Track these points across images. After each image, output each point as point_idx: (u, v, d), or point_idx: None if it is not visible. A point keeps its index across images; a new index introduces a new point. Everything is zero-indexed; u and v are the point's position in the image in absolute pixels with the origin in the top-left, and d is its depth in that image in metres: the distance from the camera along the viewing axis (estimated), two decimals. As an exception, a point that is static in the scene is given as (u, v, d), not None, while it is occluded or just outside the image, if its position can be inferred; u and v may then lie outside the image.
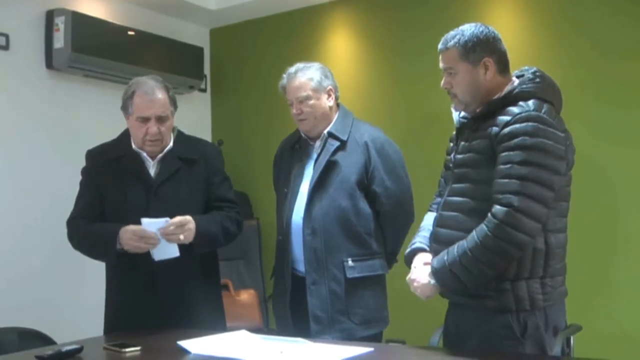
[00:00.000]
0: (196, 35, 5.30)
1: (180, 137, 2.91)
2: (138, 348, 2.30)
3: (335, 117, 3.00)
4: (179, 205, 2.75)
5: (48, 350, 2.24)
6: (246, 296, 4.39)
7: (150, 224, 2.64)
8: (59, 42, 4.18)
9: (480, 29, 2.26)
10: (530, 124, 2.10)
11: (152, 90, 2.75)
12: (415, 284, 2.29)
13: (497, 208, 2.08)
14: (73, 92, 4.40)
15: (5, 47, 4.03)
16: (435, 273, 2.21)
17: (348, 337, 2.77)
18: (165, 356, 2.27)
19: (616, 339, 3.71)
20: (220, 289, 3.06)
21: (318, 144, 2.98)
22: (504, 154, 2.12)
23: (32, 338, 2.81)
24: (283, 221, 2.99)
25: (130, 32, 4.59)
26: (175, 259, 2.68)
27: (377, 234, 2.96)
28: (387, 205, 2.93)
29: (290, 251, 2.95)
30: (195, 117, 5.22)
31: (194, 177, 2.85)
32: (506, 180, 2.09)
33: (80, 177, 2.91)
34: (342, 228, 2.88)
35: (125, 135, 2.89)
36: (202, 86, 5.28)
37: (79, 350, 2.25)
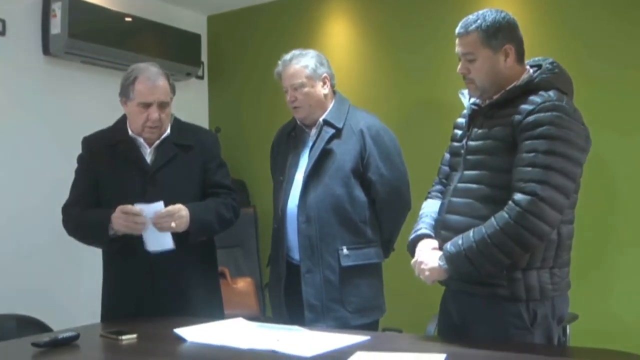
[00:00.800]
0: (193, 21, 5.27)
1: (177, 123, 2.90)
2: (134, 335, 2.30)
3: (332, 104, 2.99)
4: (175, 192, 2.75)
5: (45, 338, 2.24)
6: (243, 284, 4.40)
7: (145, 209, 2.65)
8: (55, 28, 4.16)
9: (502, 15, 2.23)
10: (555, 113, 2.09)
11: (155, 76, 2.76)
12: (423, 266, 2.24)
13: (520, 196, 2.06)
14: (70, 78, 4.39)
15: (2, 33, 4.01)
16: (449, 257, 2.16)
17: (343, 326, 2.77)
18: (161, 344, 2.27)
19: (611, 327, 3.72)
20: (218, 278, 3.07)
21: (314, 131, 2.98)
22: (528, 142, 2.09)
23: (29, 325, 2.80)
24: (279, 209, 2.98)
25: (127, 19, 4.57)
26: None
27: (373, 222, 2.95)
28: (382, 193, 2.93)
29: (285, 239, 2.95)
30: (192, 104, 5.20)
31: (190, 163, 2.84)
32: (530, 169, 2.07)
33: (76, 164, 2.91)
34: (337, 216, 2.88)
35: (122, 122, 2.88)
36: (200, 73, 5.26)
37: (76, 337, 2.25)
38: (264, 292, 4.56)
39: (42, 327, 2.78)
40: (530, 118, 2.10)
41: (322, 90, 2.96)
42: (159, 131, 2.79)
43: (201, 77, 5.35)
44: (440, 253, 2.22)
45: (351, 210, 2.89)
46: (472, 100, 2.35)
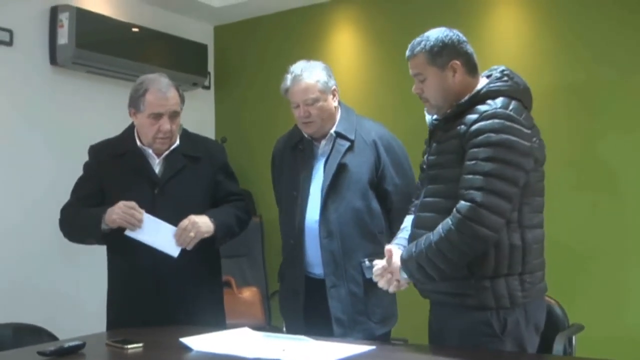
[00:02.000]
0: (200, 32, 5.30)
1: (185, 134, 2.91)
2: (140, 344, 2.30)
3: (339, 115, 2.95)
4: (184, 203, 2.77)
5: (50, 346, 2.24)
6: (248, 293, 4.39)
7: (151, 220, 2.66)
8: (62, 38, 4.18)
9: (445, 33, 2.30)
10: (496, 120, 2.13)
11: (166, 88, 2.77)
12: (389, 275, 2.32)
13: (461, 204, 2.12)
14: (77, 88, 4.41)
15: (9, 43, 4.03)
16: (403, 263, 2.24)
17: (369, 337, 2.76)
18: (167, 353, 2.27)
19: (620, 337, 3.70)
20: (222, 288, 3.06)
21: (324, 143, 2.93)
22: (470, 151, 2.15)
23: (34, 333, 2.80)
24: (294, 225, 2.91)
25: (134, 29, 4.59)
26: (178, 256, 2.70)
27: (387, 232, 2.94)
28: (397, 202, 2.91)
29: (304, 254, 2.89)
30: (198, 114, 5.22)
31: (199, 174, 2.85)
32: (471, 177, 2.12)
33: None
34: (358, 229, 2.86)
35: (129, 132, 2.88)
36: (206, 83, 5.28)
37: (82, 346, 2.25)
38: (269, 302, 4.55)
39: (48, 336, 2.78)
40: (473, 127, 2.16)
41: (333, 102, 2.92)
42: (169, 142, 2.80)
43: (208, 87, 5.37)
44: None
45: (370, 222, 2.89)
46: (435, 116, 2.40)
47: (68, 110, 4.34)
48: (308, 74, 2.86)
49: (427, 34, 2.33)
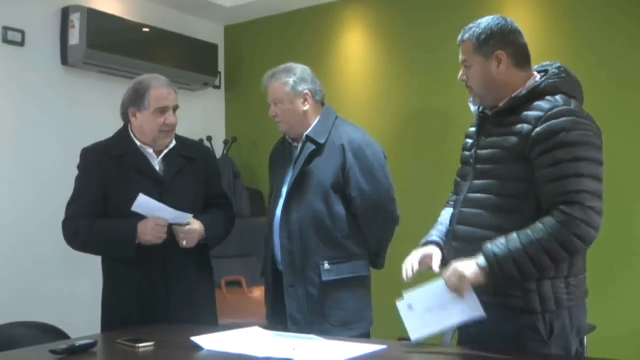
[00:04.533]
0: (211, 32, 5.31)
1: (178, 136, 2.98)
2: (151, 343, 2.30)
3: (317, 119, 3.00)
4: (187, 201, 2.84)
5: (62, 345, 2.25)
6: (259, 293, 4.38)
7: (147, 203, 2.70)
8: (74, 38, 4.20)
9: (497, 22, 2.23)
10: (567, 118, 2.06)
11: (167, 83, 2.89)
12: (461, 269, 2.12)
13: (564, 207, 2.02)
14: (88, 88, 4.42)
15: (21, 44, 4.05)
16: (494, 259, 2.07)
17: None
18: (178, 352, 2.28)
19: (632, 339, 3.69)
20: (214, 288, 3.11)
21: (299, 146, 3.01)
22: (548, 154, 2.06)
23: (46, 332, 2.82)
24: (268, 223, 3.05)
25: (145, 29, 4.61)
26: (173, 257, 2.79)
27: (357, 236, 2.95)
28: (362, 208, 2.93)
29: (273, 252, 2.99)
30: (209, 114, 5.23)
31: (196, 174, 2.94)
32: (564, 181, 2.04)
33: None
34: (318, 232, 2.90)
35: (123, 134, 2.93)
36: (217, 83, 5.29)
37: (93, 345, 2.26)
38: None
39: (60, 335, 2.79)
40: (542, 127, 2.08)
41: (302, 107, 2.97)
42: (172, 136, 2.89)
43: (218, 87, 5.38)
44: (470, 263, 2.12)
45: (331, 226, 2.91)
46: (481, 108, 2.34)
47: (79, 110, 4.35)
48: (278, 76, 3.00)
49: (480, 20, 2.26)
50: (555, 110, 2.08)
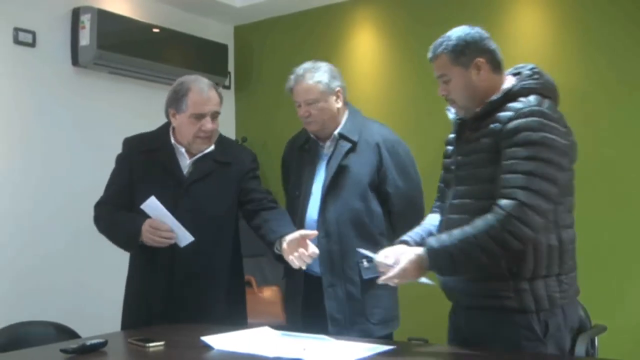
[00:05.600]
0: (220, 32, 5.31)
1: (220, 139, 2.93)
2: (162, 343, 2.31)
3: (345, 117, 2.99)
4: (207, 204, 2.80)
5: (73, 344, 2.26)
6: (269, 293, 4.40)
7: (156, 206, 2.68)
8: (84, 39, 4.22)
9: (466, 31, 2.26)
10: (534, 119, 2.09)
11: (208, 88, 2.80)
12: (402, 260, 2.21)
13: (504, 201, 2.05)
14: (98, 89, 4.44)
15: (32, 44, 4.07)
16: (431, 251, 2.14)
17: (367, 338, 2.75)
18: (188, 351, 2.28)
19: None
20: (244, 289, 3.07)
21: (328, 144, 2.98)
22: (509, 149, 2.10)
23: (57, 331, 2.83)
24: (296, 224, 2.94)
25: (155, 30, 4.62)
26: (198, 251, 2.73)
27: (389, 234, 2.94)
28: (398, 205, 2.94)
29: None
30: (219, 114, 5.24)
31: (226, 179, 2.87)
32: (511, 176, 2.07)
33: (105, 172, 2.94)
34: (356, 230, 2.89)
35: (164, 129, 2.91)
36: (226, 83, 5.30)
37: (104, 344, 2.26)
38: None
39: (71, 334, 2.80)
40: (510, 125, 2.11)
41: (336, 104, 2.96)
42: (209, 142, 2.83)
43: (228, 87, 5.38)
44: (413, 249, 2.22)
45: (369, 223, 2.91)
46: (459, 115, 2.36)
47: (90, 110, 4.37)
48: (310, 75, 2.93)
49: (448, 33, 2.29)
50: (525, 110, 2.11)
